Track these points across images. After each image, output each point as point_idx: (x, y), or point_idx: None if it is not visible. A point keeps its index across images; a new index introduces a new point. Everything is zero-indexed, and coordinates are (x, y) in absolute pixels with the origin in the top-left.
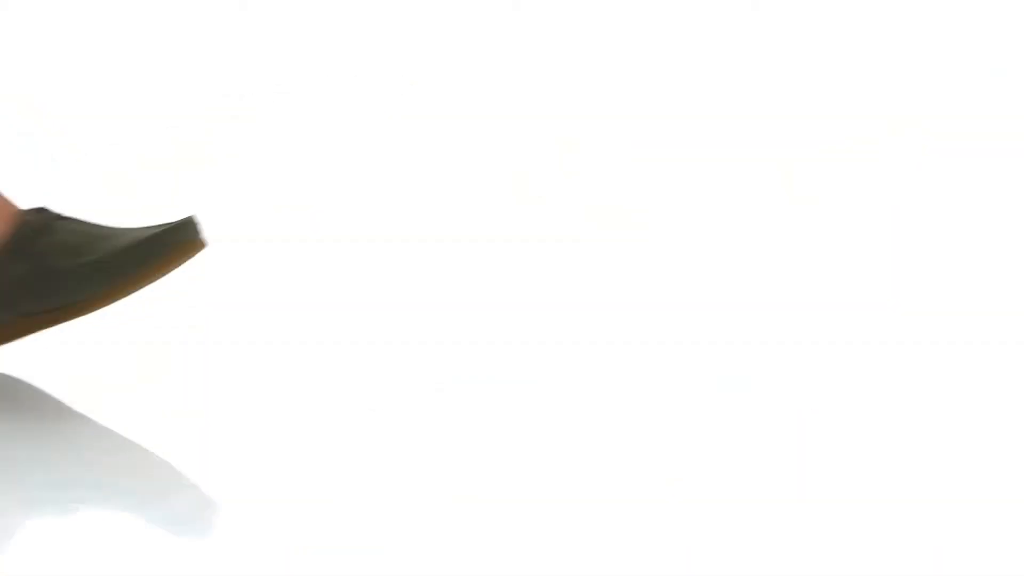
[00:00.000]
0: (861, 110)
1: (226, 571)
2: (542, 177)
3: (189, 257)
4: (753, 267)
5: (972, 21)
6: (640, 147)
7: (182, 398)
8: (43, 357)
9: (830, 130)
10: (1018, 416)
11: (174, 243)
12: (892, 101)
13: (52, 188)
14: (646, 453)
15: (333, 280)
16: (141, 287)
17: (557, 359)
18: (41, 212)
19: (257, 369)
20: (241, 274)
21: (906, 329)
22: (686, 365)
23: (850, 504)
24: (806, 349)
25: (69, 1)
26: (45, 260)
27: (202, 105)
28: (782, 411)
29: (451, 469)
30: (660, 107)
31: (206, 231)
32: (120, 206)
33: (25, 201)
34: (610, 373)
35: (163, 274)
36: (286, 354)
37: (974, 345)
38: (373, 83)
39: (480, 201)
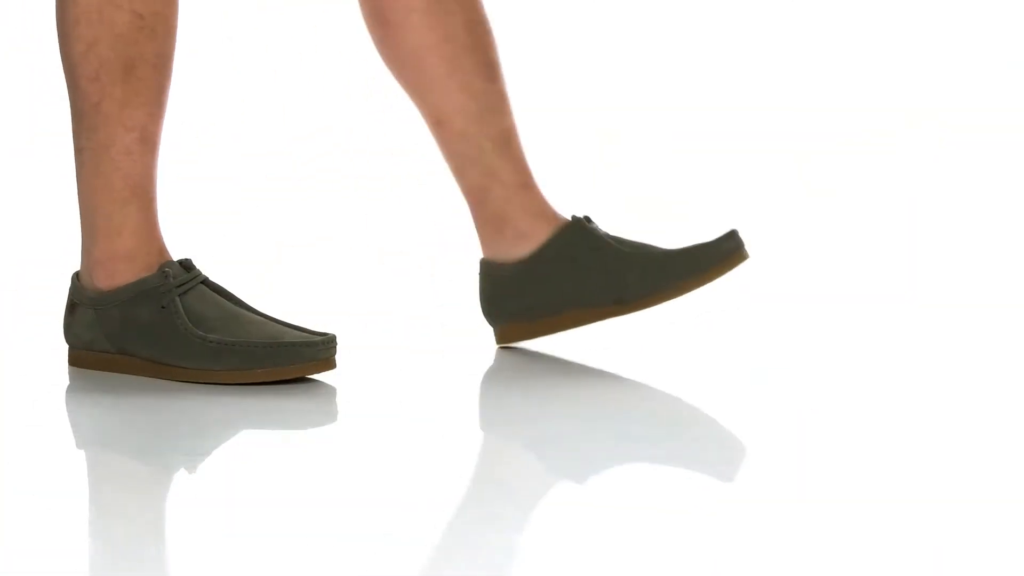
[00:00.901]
0: (878, 103)
1: (232, 569)
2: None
3: (317, 372)
4: (771, 258)
5: (989, 15)
6: (670, 139)
7: (190, 392)
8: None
9: (847, 123)
10: None
11: (311, 358)
12: (909, 94)
13: (52, 190)
14: (668, 448)
15: (334, 281)
16: (256, 382)
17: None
18: (189, 269)
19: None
20: (240, 277)
21: (923, 322)
22: (704, 356)
23: (866, 504)
24: (824, 342)
25: None
26: (171, 318)
27: (203, 104)
28: (796, 404)
29: (452, 469)
30: (686, 101)
31: (337, 352)
32: None
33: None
34: (618, 367)
35: (290, 376)
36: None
37: (991, 337)
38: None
39: None
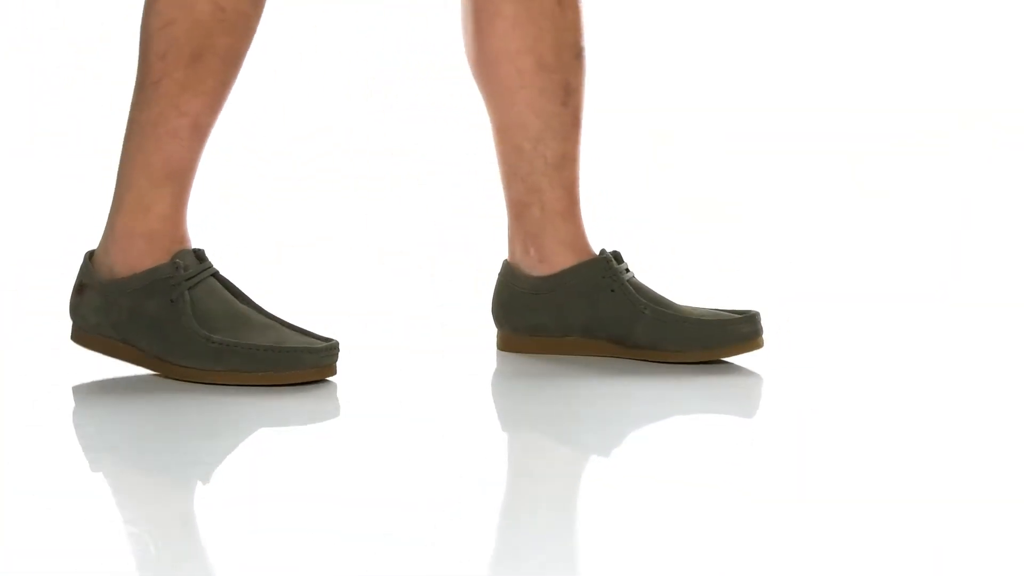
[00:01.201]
0: (932, 104)
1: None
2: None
3: (317, 378)
4: (824, 259)
5: None
6: (723, 140)
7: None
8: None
9: (900, 124)
10: None
11: (312, 364)
12: (962, 95)
13: (52, 185)
14: (682, 455)
15: (334, 281)
16: (256, 385)
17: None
18: (201, 260)
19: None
20: (241, 277)
21: (970, 322)
22: (758, 356)
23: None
24: (871, 341)
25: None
26: (178, 314)
27: None
28: (816, 402)
29: (453, 469)
30: (739, 102)
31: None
32: None
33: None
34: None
35: (290, 381)
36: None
37: None
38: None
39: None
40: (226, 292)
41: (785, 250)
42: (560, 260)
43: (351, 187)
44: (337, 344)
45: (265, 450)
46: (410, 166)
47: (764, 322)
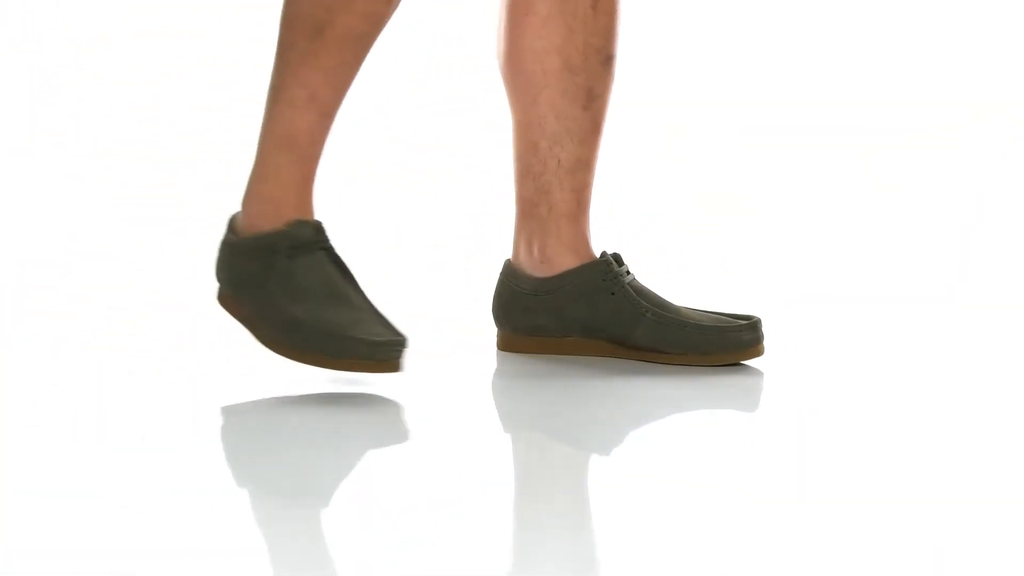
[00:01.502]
0: (946, 97)
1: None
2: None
3: (375, 372)
4: (836, 254)
5: None
6: (737, 134)
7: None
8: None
9: (914, 117)
10: None
11: (367, 356)
12: (977, 89)
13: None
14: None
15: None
16: (312, 365)
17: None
18: (318, 232)
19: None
20: None
21: (985, 323)
22: (770, 357)
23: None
24: (885, 339)
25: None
26: (269, 279)
27: (206, 100)
28: (851, 400)
29: (455, 469)
30: (753, 96)
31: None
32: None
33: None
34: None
35: (343, 369)
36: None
37: None
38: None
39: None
40: (332, 268)
41: (797, 244)
42: (561, 262)
43: (349, 185)
44: (404, 340)
45: (263, 449)
46: (409, 165)
47: (769, 324)
